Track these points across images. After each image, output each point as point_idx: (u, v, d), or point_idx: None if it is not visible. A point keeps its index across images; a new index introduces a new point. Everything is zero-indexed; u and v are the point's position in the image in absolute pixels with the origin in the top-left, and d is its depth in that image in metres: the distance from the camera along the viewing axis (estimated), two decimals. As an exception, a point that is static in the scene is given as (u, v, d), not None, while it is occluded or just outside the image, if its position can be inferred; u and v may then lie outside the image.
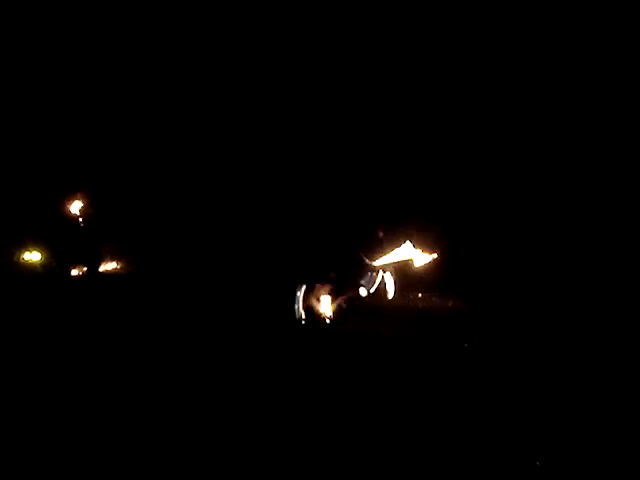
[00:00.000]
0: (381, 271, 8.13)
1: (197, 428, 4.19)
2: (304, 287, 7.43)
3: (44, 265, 10.61)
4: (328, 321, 7.45)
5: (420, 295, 9.00)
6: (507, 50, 10.04)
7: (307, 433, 4.11)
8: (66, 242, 10.23)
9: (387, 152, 10.31)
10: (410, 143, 10.26)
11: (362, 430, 4.13)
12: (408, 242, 7.79)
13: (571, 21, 9.71)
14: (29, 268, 10.50)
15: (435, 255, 7.82)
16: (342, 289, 7.71)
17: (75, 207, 10.16)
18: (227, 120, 10.95)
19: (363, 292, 7.87)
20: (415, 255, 7.74)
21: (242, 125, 10.96)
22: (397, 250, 7.82)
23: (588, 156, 9.56)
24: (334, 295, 7.62)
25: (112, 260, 11.66)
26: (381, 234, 8.65)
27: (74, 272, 10.58)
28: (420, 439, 4.00)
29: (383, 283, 8.31)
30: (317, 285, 7.53)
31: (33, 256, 10.65)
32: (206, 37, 10.97)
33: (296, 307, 7.44)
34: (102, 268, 10.97)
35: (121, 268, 11.77)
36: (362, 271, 7.94)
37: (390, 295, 8.33)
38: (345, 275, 7.85)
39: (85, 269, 10.24)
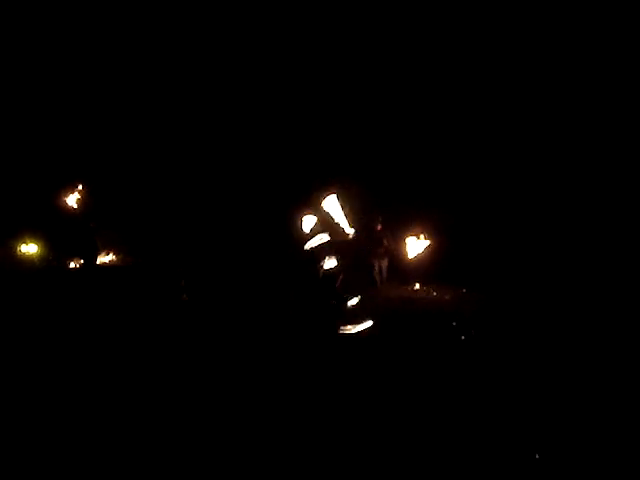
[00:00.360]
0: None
1: (196, 418, 4.18)
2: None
3: (41, 257, 10.56)
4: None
5: (418, 287, 9.04)
6: (496, 44, 10.03)
7: (304, 420, 4.12)
8: (62, 234, 10.18)
9: (386, 145, 10.28)
10: (409, 136, 10.22)
11: (359, 419, 4.13)
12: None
13: (571, 21, 9.69)
14: (26, 260, 10.45)
15: (426, 242, 7.86)
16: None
17: (71, 199, 10.12)
18: (213, 112, 10.90)
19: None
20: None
21: (228, 114, 10.91)
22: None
23: (583, 150, 9.55)
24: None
25: (109, 252, 11.62)
26: (379, 226, 8.70)
27: (72, 265, 10.54)
28: (418, 430, 4.00)
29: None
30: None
31: (30, 248, 10.60)
32: (201, 34, 10.92)
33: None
34: (99, 260, 10.93)
35: (118, 260, 11.73)
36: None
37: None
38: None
39: (82, 261, 10.19)
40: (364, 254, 8.61)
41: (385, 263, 8.89)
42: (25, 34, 10.52)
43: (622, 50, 9.48)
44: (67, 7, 10.60)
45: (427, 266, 8.63)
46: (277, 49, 10.78)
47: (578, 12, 9.57)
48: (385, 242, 8.73)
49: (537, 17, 9.87)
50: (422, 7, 10.31)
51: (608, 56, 9.61)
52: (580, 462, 3.65)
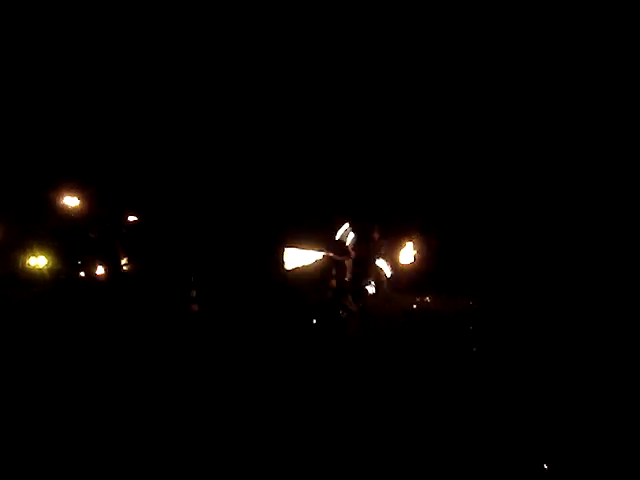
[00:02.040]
0: None
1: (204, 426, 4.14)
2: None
3: (51, 270, 10.56)
4: None
5: (429, 298, 8.74)
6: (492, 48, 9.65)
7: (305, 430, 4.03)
8: (65, 245, 10.15)
9: (385, 154, 10.03)
10: (409, 145, 9.96)
11: (359, 430, 3.99)
12: None
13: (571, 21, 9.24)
14: (35, 274, 10.48)
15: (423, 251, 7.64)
16: None
17: (72, 210, 10.09)
18: (217, 115, 10.76)
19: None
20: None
21: (233, 118, 10.77)
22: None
23: (580, 155, 9.14)
24: None
25: (118, 260, 11.59)
26: (376, 235, 8.45)
27: (79, 275, 10.52)
28: (420, 443, 3.81)
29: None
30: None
31: (39, 261, 10.61)
32: (202, 34, 10.76)
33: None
34: (104, 271, 10.92)
35: (128, 269, 11.72)
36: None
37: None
38: None
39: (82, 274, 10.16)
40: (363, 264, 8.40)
41: (384, 273, 8.63)
42: (21, 33, 10.45)
43: (622, 51, 8.99)
44: (66, 7, 10.53)
45: (424, 276, 8.39)
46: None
47: (578, 12, 9.10)
48: (383, 252, 8.48)
49: (537, 17, 9.44)
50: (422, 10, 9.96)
51: (608, 57, 9.14)
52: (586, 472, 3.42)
